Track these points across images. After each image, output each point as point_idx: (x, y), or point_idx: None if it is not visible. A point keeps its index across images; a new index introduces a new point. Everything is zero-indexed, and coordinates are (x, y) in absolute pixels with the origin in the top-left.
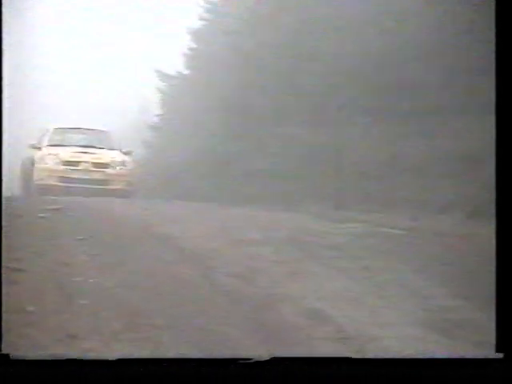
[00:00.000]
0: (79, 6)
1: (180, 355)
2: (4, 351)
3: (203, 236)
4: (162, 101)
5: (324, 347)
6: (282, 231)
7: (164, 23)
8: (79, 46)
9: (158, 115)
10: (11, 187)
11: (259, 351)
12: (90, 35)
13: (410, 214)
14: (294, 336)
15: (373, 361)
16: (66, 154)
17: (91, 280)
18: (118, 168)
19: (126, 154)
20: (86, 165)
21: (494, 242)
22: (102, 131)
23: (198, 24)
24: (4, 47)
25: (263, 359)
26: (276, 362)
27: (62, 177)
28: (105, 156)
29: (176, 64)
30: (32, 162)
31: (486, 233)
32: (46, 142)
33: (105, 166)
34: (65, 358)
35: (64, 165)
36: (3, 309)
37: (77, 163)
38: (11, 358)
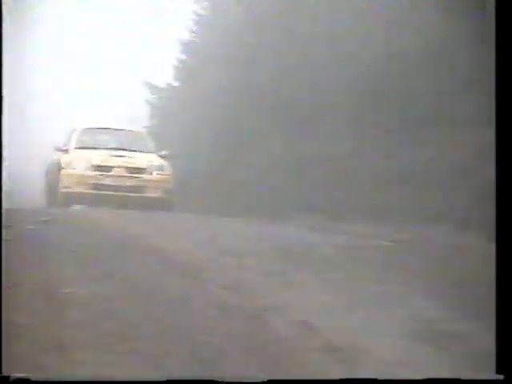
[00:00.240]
0: (67, 18)
1: (169, 369)
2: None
3: (191, 247)
4: (151, 113)
5: (312, 359)
6: (270, 242)
7: (153, 35)
8: (68, 59)
9: (146, 127)
10: (34, 195)
11: (248, 363)
12: (79, 48)
13: (398, 225)
14: (282, 347)
15: (367, 381)
16: (97, 157)
17: (80, 291)
18: (154, 173)
19: (163, 157)
20: (119, 170)
21: (483, 252)
22: (136, 132)
23: (187, 36)
24: None
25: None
26: None
27: (93, 184)
28: (140, 160)
29: (165, 76)
30: (58, 167)
31: (476, 244)
32: (73, 144)
33: (140, 171)
34: (67, 379)
35: (94, 170)
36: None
37: (109, 168)
38: (11, 379)
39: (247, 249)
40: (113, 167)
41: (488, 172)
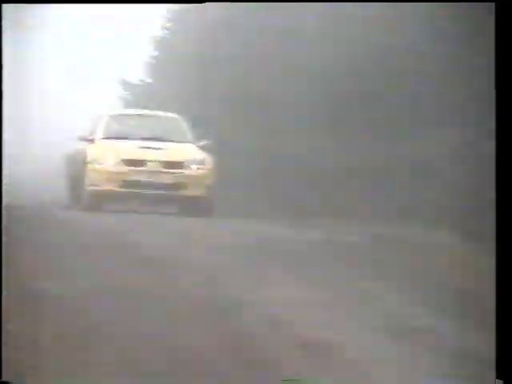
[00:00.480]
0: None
1: (143, 363)
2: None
3: (166, 245)
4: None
5: (285, 354)
6: (243, 239)
7: (126, 32)
8: (40, 57)
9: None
10: (53, 192)
11: (223, 357)
12: (53, 46)
13: (369, 222)
14: (255, 342)
15: None
16: (128, 149)
17: (54, 290)
18: (194, 167)
19: (202, 148)
20: (154, 164)
21: (452, 248)
22: (172, 117)
23: (160, 33)
24: None
25: None
26: None
27: (123, 181)
28: (178, 152)
29: (138, 73)
30: (83, 161)
31: (446, 240)
32: (100, 134)
33: (178, 165)
34: None
35: (126, 165)
36: None
37: (142, 162)
38: None
39: (222, 245)
40: (146, 161)
41: (460, 170)
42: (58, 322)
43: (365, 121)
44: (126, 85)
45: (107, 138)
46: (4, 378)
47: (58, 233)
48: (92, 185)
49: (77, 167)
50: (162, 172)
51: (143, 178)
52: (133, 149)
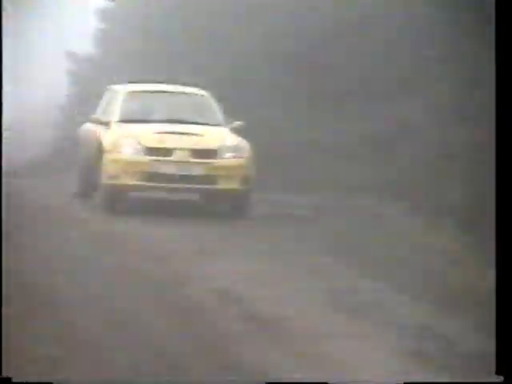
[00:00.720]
0: None
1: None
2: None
3: (115, 222)
4: (72, 82)
5: (234, 327)
6: (194, 214)
7: (71, 4)
8: None
9: (67, 95)
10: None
11: (172, 330)
12: None
13: (321, 196)
14: (203, 316)
15: None
16: (151, 136)
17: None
18: (229, 156)
19: (236, 130)
20: (183, 154)
21: (402, 221)
22: (201, 94)
23: (105, 4)
24: None
25: None
26: None
27: (148, 173)
28: (210, 137)
29: (85, 45)
30: (99, 149)
31: (395, 213)
32: (117, 115)
33: (210, 153)
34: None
35: (149, 154)
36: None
37: (168, 151)
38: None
39: (167, 220)
40: (174, 149)
41: (411, 146)
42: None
43: (320, 95)
44: (73, 57)
45: (125, 122)
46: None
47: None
48: (110, 177)
49: (89, 154)
50: (192, 163)
51: (169, 170)
52: (156, 134)
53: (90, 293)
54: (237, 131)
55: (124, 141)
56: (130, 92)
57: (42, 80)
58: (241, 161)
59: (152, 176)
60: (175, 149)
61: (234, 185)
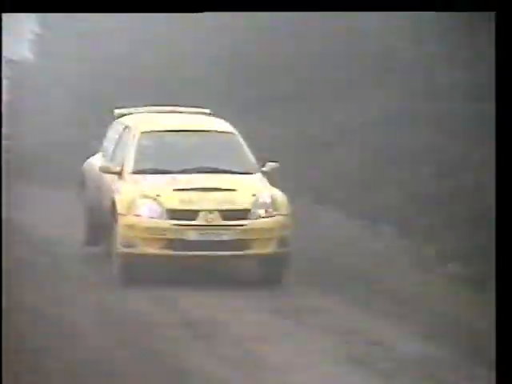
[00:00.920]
0: None
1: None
2: None
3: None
4: (8, 87)
5: (171, 334)
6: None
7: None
8: None
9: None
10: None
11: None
12: None
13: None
14: (140, 319)
15: None
16: (172, 194)
17: None
18: (263, 213)
19: (266, 174)
20: (211, 216)
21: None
22: (228, 132)
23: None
24: None
25: None
26: None
27: (169, 240)
28: (242, 193)
29: (21, 50)
30: (112, 209)
31: (331, 217)
32: (130, 164)
33: (244, 214)
34: None
35: (171, 217)
36: None
37: (194, 213)
38: None
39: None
40: (200, 211)
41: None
42: None
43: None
44: (9, 62)
45: (141, 173)
46: None
47: None
48: (126, 245)
49: (99, 212)
50: (221, 227)
51: (195, 237)
52: (179, 192)
53: None
54: (270, 176)
55: (141, 201)
56: (143, 132)
57: None
58: (278, 220)
59: (175, 244)
60: (202, 211)
61: (270, 249)
